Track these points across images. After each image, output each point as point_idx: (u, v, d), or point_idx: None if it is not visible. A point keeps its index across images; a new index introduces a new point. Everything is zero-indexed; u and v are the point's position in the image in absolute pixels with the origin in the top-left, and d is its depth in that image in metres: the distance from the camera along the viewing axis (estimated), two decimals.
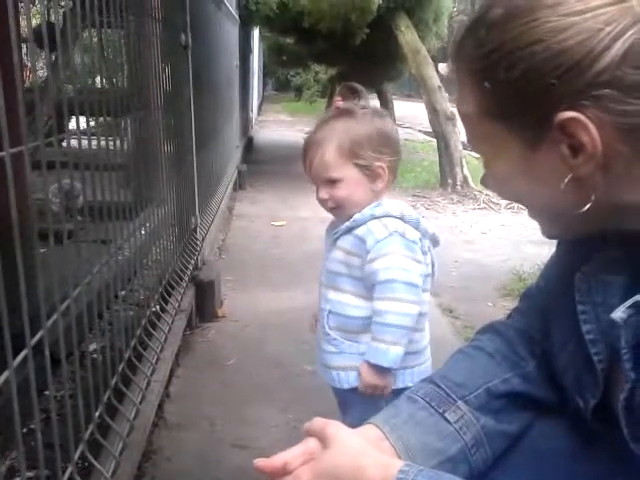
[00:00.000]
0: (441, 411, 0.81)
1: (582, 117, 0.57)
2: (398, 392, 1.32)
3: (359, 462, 0.70)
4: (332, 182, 1.34)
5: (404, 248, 1.29)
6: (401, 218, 1.31)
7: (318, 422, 0.77)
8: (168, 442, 1.85)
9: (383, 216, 1.31)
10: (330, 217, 1.45)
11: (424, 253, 1.34)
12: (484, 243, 4.43)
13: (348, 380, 1.35)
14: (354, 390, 1.34)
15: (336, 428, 0.75)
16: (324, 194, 1.36)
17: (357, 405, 1.37)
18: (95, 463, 1.35)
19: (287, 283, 3.34)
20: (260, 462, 0.75)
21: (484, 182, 0.76)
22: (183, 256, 2.71)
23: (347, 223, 1.35)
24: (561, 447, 0.82)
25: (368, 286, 1.32)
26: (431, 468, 0.74)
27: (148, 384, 1.82)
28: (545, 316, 0.85)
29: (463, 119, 0.70)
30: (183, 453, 1.80)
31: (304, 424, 0.80)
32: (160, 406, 1.98)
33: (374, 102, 1.46)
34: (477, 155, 0.74)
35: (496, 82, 0.62)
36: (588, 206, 0.62)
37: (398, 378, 1.34)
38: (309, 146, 1.36)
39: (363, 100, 1.36)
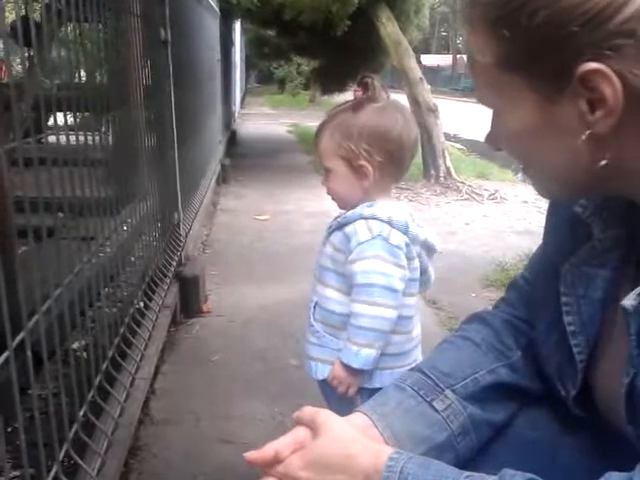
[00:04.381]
0: (429, 400, 0.82)
1: (605, 68, 0.56)
2: (375, 392, 1.34)
3: (349, 450, 0.71)
4: (327, 171, 1.38)
5: (386, 252, 1.29)
6: (388, 222, 1.30)
7: (308, 410, 0.78)
8: (154, 438, 1.85)
9: (370, 218, 1.31)
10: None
11: (411, 258, 1.34)
12: (467, 234, 4.46)
13: (323, 372, 1.37)
14: (326, 383, 1.36)
15: (326, 416, 0.76)
16: (323, 181, 1.40)
17: (331, 398, 1.39)
18: (80, 462, 1.35)
19: (272, 277, 3.35)
20: (250, 455, 0.75)
21: (490, 140, 0.73)
22: (166, 252, 2.70)
23: (339, 219, 1.36)
24: (545, 436, 0.83)
25: (349, 284, 1.32)
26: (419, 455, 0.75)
27: (133, 381, 1.81)
28: (531, 306, 0.87)
29: (475, 70, 0.67)
30: (169, 449, 1.80)
31: (291, 416, 0.80)
32: (146, 402, 1.98)
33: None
34: (487, 108, 0.70)
35: (516, 30, 0.59)
36: (601, 165, 0.61)
37: (376, 378, 1.34)
38: (316, 132, 1.40)
39: (376, 93, 1.33)
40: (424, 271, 1.40)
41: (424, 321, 1.50)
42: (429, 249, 1.40)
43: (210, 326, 2.73)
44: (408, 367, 1.37)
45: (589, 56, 0.56)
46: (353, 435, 0.74)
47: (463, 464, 0.81)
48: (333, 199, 1.42)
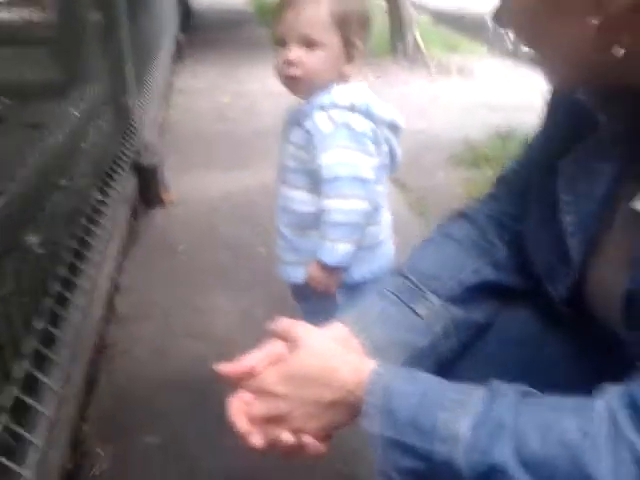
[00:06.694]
0: (411, 305, 0.79)
1: None
2: (355, 285, 1.32)
3: (330, 363, 0.68)
4: (309, 45, 1.20)
5: (351, 141, 1.21)
6: (350, 108, 1.21)
7: (284, 323, 0.75)
8: (122, 336, 1.81)
9: (330, 107, 1.21)
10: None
11: (379, 144, 1.26)
12: (435, 110, 4.33)
13: (297, 275, 1.33)
14: (303, 285, 1.32)
15: (304, 329, 0.73)
16: (294, 55, 1.20)
17: (306, 301, 1.38)
18: (48, 353, 1.33)
19: (236, 163, 3.22)
20: (223, 368, 0.72)
21: (498, 15, 0.66)
22: (124, 139, 2.55)
23: (293, 113, 1.28)
24: (527, 334, 0.82)
25: (316, 181, 1.25)
26: (402, 362, 0.75)
27: (96, 274, 1.76)
28: (521, 201, 0.82)
29: None
30: (138, 346, 1.77)
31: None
32: (110, 299, 1.92)
33: None
34: None
35: None
36: (614, 48, 0.56)
37: (355, 272, 1.31)
38: None
39: None
40: (394, 156, 1.33)
41: (392, 204, 1.44)
42: (394, 128, 1.31)
43: (173, 216, 2.63)
44: (382, 257, 1.34)
45: None
46: (333, 348, 0.71)
47: (446, 365, 0.80)
48: (295, 79, 1.22)
